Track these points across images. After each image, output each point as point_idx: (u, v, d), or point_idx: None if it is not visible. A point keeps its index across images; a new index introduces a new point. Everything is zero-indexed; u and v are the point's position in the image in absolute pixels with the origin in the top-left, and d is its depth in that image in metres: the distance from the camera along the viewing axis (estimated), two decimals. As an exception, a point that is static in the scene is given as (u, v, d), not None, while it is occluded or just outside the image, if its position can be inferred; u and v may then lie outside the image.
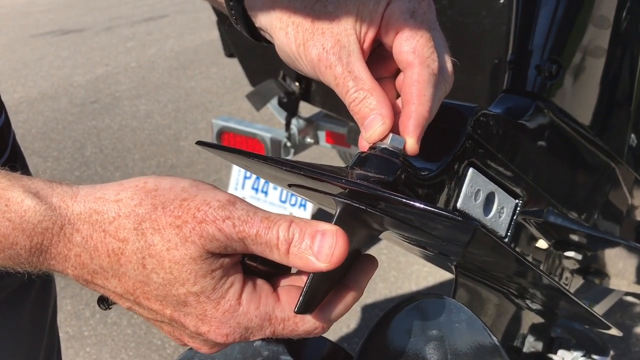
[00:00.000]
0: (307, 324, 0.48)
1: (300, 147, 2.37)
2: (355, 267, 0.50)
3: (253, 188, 2.37)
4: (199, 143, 0.51)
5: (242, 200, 0.46)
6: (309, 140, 2.39)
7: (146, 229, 0.44)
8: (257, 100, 2.17)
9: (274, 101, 2.29)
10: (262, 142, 2.26)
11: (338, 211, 0.46)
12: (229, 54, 2.33)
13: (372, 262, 0.51)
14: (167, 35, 6.07)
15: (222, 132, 2.35)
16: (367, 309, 2.42)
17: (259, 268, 0.49)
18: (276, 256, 0.45)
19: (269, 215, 0.45)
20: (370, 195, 0.44)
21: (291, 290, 0.48)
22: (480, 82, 1.58)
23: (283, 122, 2.30)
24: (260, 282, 0.48)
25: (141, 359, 2.22)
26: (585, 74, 0.79)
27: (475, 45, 1.56)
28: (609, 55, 0.79)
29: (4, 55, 5.66)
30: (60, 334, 2.41)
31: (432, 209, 0.39)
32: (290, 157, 2.32)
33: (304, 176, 0.45)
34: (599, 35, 0.79)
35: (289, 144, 2.28)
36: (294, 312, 0.46)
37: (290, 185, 0.53)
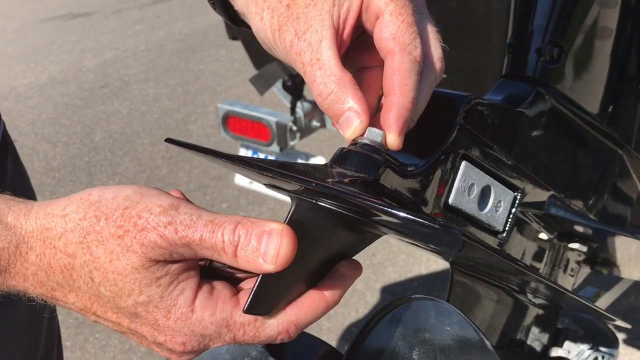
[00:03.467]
0: (269, 328, 0.46)
1: (306, 130, 2.33)
2: (334, 271, 0.47)
3: (260, 172, 2.34)
4: (168, 140, 0.48)
5: (187, 203, 0.44)
6: (315, 123, 2.35)
7: (91, 242, 0.43)
8: (261, 84, 2.14)
9: (279, 84, 2.25)
10: (267, 126, 2.23)
11: (292, 209, 0.44)
12: (232, 37, 2.29)
13: (354, 268, 0.48)
14: (175, 17, 6.02)
15: (227, 116, 2.32)
16: (376, 293, 2.40)
17: (226, 271, 0.46)
18: (225, 259, 0.44)
19: (214, 217, 0.43)
20: (344, 200, 0.40)
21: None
22: (487, 63, 1.53)
23: (289, 105, 2.26)
24: (220, 286, 0.46)
25: (150, 345, 2.22)
26: (589, 57, 0.74)
27: (481, 24, 1.51)
28: (616, 37, 0.75)
29: (14, 40, 5.65)
30: (69, 321, 2.41)
31: (411, 217, 0.36)
32: (296, 141, 2.29)
33: (271, 177, 0.42)
34: (605, 15, 0.74)
35: (294, 127, 2.25)
36: (242, 311, 0.44)
37: (266, 184, 0.50)
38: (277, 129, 2.24)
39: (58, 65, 4.96)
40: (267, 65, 2.13)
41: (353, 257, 0.48)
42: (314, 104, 2.33)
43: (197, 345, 0.45)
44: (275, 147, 2.29)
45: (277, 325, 0.46)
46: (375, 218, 0.43)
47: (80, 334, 2.28)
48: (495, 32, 1.51)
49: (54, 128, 3.91)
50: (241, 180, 2.41)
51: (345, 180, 0.44)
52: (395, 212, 0.36)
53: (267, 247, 0.42)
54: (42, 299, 0.47)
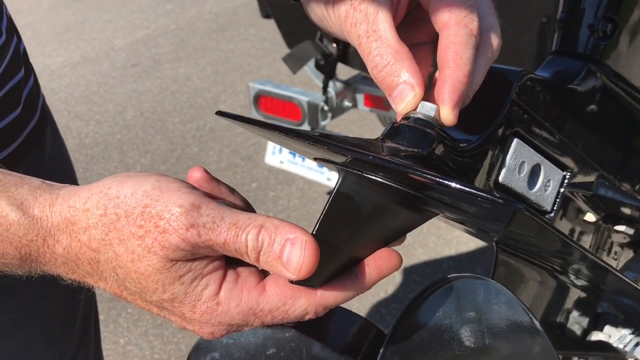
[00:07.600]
0: (298, 310, 0.45)
1: (338, 110, 2.32)
2: (373, 259, 0.46)
3: (291, 152, 2.34)
4: (219, 113, 0.48)
5: (209, 202, 0.43)
6: (347, 103, 2.34)
7: (113, 239, 0.43)
8: (294, 62, 2.13)
9: (311, 64, 2.24)
10: (299, 106, 2.22)
11: (339, 182, 0.43)
12: (265, 15, 2.28)
13: (393, 260, 0.47)
14: (206, -4, 6.02)
15: (259, 96, 2.32)
16: (405, 275, 2.39)
17: None
18: (247, 261, 0.44)
19: (236, 220, 0.43)
20: (400, 173, 0.40)
21: (279, 279, 0.45)
22: (527, 42, 1.50)
23: (320, 85, 2.25)
24: (245, 273, 0.46)
25: (181, 320, 2.25)
26: (644, 33, 0.72)
27: (521, 2, 1.48)
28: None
29: (47, 18, 5.71)
30: (103, 295, 2.45)
31: (468, 190, 0.35)
32: (327, 121, 2.28)
33: (327, 150, 0.42)
34: (662, -11, 0.71)
35: (326, 107, 2.24)
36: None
37: (316, 158, 0.49)
38: (308, 109, 2.24)
39: (90, 43, 5.00)
40: (300, 44, 2.12)
41: (395, 250, 0.48)
42: (346, 83, 2.32)
43: (226, 332, 0.46)
44: (306, 127, 2.29)
45: (306, 307, 0.45)
46: (430, 194, 0.42)
47: (114, 308, 2.32)
48: (535, 9, 1.48)
49: (87, 106, 3.95)
50: (271, 160, 2.41)
51: (399, 154, 0.43)
52: (461, 187, 0.35)
53: (289, 256, 0.42)
54: (76, 283, 0.47)
